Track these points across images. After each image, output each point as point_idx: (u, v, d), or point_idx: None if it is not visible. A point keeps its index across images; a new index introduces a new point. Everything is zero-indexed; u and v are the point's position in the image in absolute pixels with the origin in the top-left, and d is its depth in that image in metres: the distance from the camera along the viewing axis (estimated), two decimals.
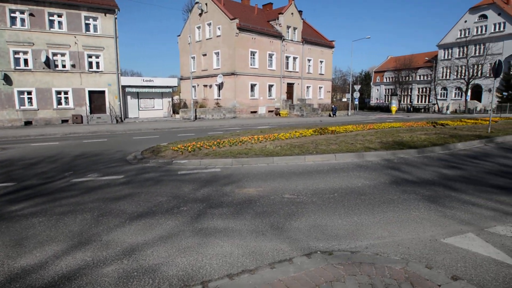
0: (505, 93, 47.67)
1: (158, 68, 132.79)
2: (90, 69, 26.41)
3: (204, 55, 37.18)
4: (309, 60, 41.87)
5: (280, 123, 26.85)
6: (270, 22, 38.46)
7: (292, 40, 39.13)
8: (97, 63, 26.75)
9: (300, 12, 40.88)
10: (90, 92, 26.63)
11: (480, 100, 52.93)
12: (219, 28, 34.73)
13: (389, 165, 8.20)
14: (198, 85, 38.37)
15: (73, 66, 25.57)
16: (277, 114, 37.96)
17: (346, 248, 3.65)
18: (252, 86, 35.69)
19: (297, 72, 40.47)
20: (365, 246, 3.68)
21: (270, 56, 37.09)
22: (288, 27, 38.44)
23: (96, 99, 27.15)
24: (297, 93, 40.89)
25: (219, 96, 35.68)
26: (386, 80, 72.36)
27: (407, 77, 64.38)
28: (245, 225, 4.34)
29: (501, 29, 51.13)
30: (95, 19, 26.10)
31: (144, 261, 3.43)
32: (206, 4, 35.85)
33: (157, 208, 5.08)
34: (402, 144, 10.87)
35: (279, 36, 37.29)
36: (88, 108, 26.32)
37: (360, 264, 3.22)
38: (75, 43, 25.37)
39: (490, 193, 5.79)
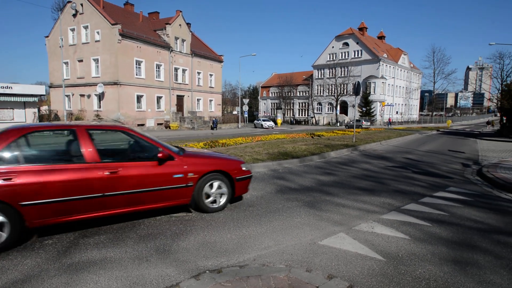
0: (364, 108, 57.48)
1: (19, 73, 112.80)
2: None
3: (80, 61, 33.33)
4: (199, 73, 42.07)
5: (170, 136, 25.95)
6: (157, 32, 37.26)
7: (181, 52, 38.70)
8: None
9: (188, 24, 40.91)
10: None
11: (347, 114, 62.43)
12: (98, 33, 31.74)
13: (275, 175, 8.73)
14: (73, 95, 34.01)
15: None
16: (167, 127, 36.69)
17: (235, 263, 3.62)
18: (139, 97, 33.65)
19: (187, 84, 40.13)
20: (253, 258, 3.72)
21: (158, 66, 35.79)
22: (176, 38, 37.93)
23: None
24: (187, 106, 40.44)
25: (100, 107, 32.37)
26: (272, 95, 78.47)
27: (289, 93, 71.25)
28: (126, 253, 3.88)
29: (359, 55, 61.84)
30: None
31: None
32: (81, 4, 32.40)
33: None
34: (286, 154, 11.79)
35: (167, 47, 36.38)
36: None
37: (248, 278, 3.22)
38: None
39: (356, 195, 6.72)
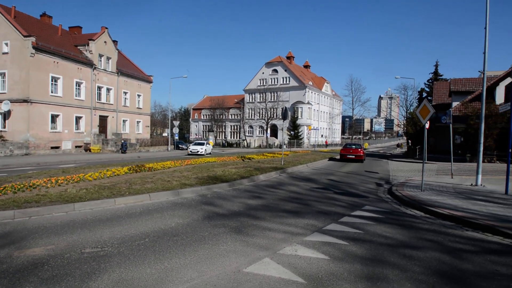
0: (292, 132, 60.52)
1: None
2: None
3: None
4: (125, 93, 40.05)
5: (90, 160, 23.87)
6: (79, 48, 34.78)
7: (105, 70, 36.56)
8: None
9: (115, 42, 39.16)
10: None
11: (276, 137, 64.95)
12: (6, 44, 28.39)
13: (204, 200, 8.53)
14: None
15: None
16: (88, 149, 33.70)
17: None
18: (54, 117, 30.51)
19: (112, 104, 37.81)
20: None
21: (78, 84, 33.16)
22: (101, 55, 35.85)
23: None
24: (112, 127, 37.90)
25: (5, 127, 28.45)
26: (204, 117, 78.15)
27: (221, 115, 71.77)
28: None
29: (287, 82, 65.69)
30: None
31: None
32: None
33: None
34: (216, 178, 11.66)
35: (89, 64, 34.07)
36: None
37: None
38: None
39: (282, 217, 6.88)
